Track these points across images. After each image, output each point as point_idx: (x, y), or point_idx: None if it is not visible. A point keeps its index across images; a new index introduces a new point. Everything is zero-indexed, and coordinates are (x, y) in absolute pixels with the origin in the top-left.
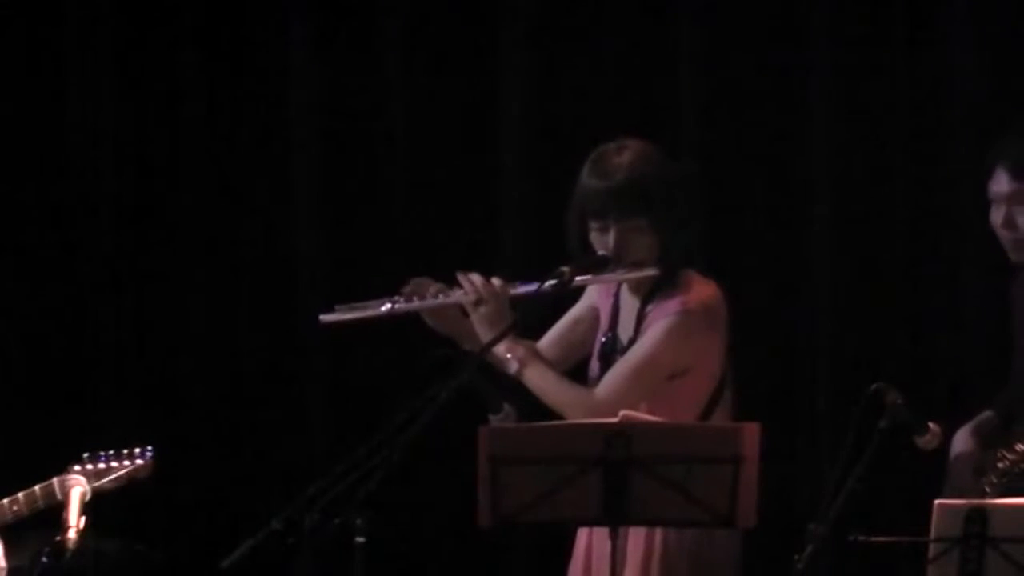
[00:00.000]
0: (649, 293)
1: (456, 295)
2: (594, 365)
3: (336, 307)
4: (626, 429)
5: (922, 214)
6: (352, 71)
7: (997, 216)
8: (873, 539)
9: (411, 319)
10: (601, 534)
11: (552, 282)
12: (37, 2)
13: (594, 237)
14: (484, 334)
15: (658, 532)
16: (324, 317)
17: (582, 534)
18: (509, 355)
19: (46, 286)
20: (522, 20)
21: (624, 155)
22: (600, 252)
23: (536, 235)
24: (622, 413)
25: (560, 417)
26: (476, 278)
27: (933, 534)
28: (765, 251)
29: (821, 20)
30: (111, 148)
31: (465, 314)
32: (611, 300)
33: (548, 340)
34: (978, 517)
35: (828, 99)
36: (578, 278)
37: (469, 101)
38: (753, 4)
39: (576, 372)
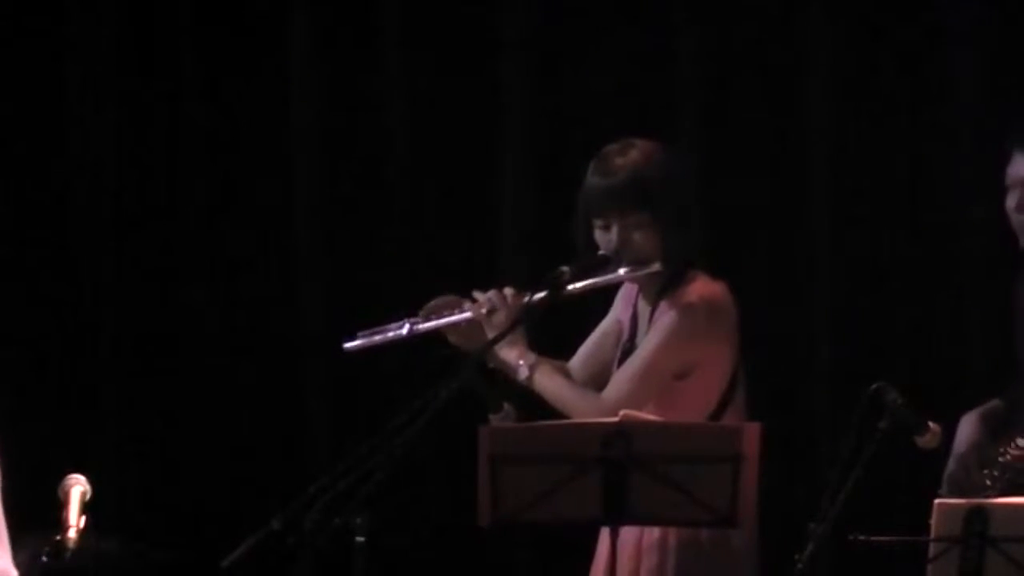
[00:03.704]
0: (658, 295)
1: (470, 309)
2: (615, 375)
3: (358, 334)
4: (626, 428)
5: (922, 213)
6: (352, 70)
7: (1012, 200)
8: (873, 539)
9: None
10: (626, 534)
11: (547, 290)
12: (37, 2)
13: (598, 235)
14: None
15: (670, 533)
16: (348, 345)
17: (604, 534)
18: (521, 361)
19: (46, 287)
20: (522, 20)
21: (627, 154)
22: (603, 251)
23: (536, 235)
24: (622, 412)
25: (561, 417)
26: (490, 292)
27: (933, 534)
28: (765, 251)
29: (820, 20)
30: (111, 148)
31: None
32: (631, 310)
33: (578, 360)
34: (978, 517)
35: (828, 99)
36: (578, 283)
37: (469, 101)
38: (752, 4)
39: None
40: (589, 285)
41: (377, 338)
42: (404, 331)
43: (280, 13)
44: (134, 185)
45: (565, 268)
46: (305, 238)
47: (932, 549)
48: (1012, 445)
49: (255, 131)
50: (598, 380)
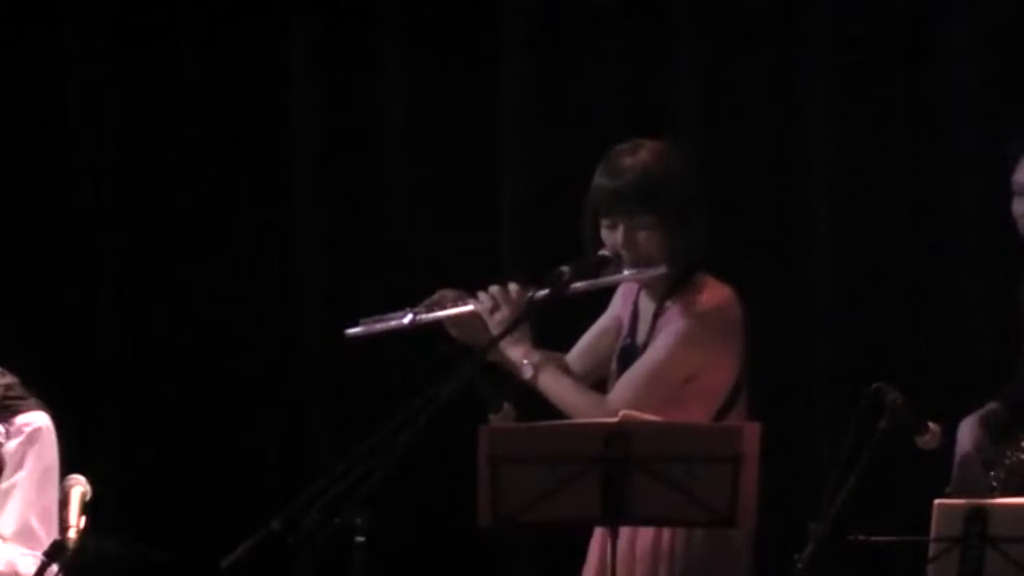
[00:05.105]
0: (664, 296)
1: (474, 303)
2: (614, 369)
3: (360, 321)
4: (625, 428)
5: (922, 214)
6: (352, 71)
7: (1019, 206)
8: (873, 539)
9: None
10: (618, 534)
11: (548, 288)
12: (37, 2)
13: (605, 235)
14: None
15: (665, 533)
16: (349, 332)
17: (597, 534)
18: (526, 361)
19: (46, 287)
20: (522, 20)
21: (636, 155)
22: (605, 251)
23: (536, 235)
24: (622, 413)
25: (561, 417)
26: (493, 288)
27: (933, 534)
28: (765, 251)
29: (821, 20)
30: (111, 148)
31: (485, 323)
32: (631, 307)
33: (575, 353)
34: (978, 517)
35: (828, 99)
36: (578, 281)
37: (469, 101)
38: (753, 4)
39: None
40: (594, 284)
41: (379, 326)
42: (406, 320)
43: (280, 14)
44: (134, 185)
45: (565, 268)
46: (305, 238)
47: (932, 549)
48: (1017, 447)
49: (255, 131)
50: (593, 376)
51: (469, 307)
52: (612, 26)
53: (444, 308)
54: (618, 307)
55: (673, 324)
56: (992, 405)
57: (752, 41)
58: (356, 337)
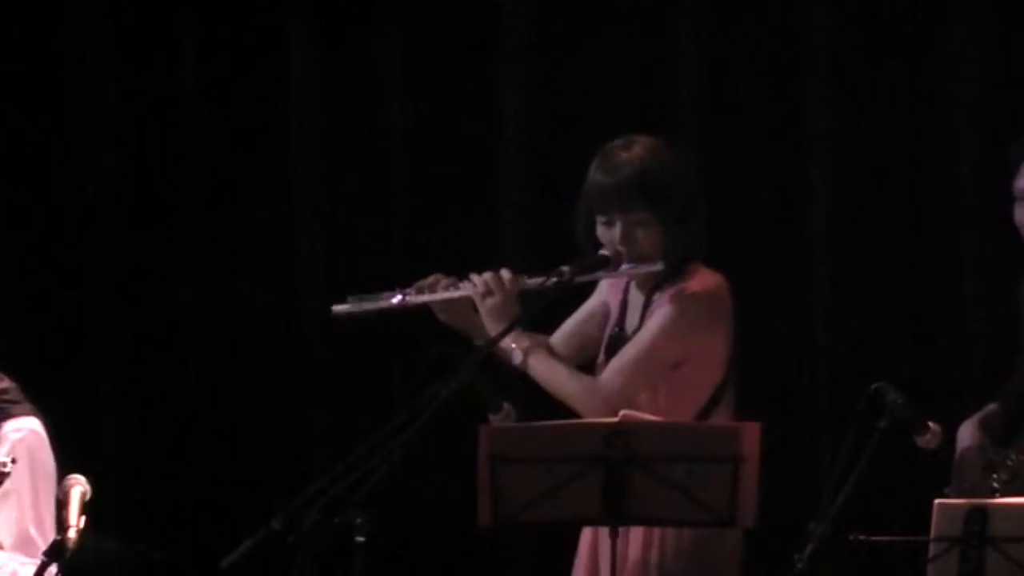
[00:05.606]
0: (654, 287)
1: (465, 288)
2: (602, 359)
3: (348, 298)
4: (626, 428)
5: (922, 214)
6: (352, 71)
7: (1020, 214)
8: (873, 539)
9: (421, 317)
10: (604, 534)
11: (553, 280)
12: (37, 2)
13: (601, 232)
14: (492, 326)
15: (656, 532)
16: (336, 308)
17: (586, 534)
18: (514, 345)
19: (45, 286)
20: (522, 20)
21: (630, 150)
22: (604, 248)
23: (536, 234)
24: (622, 412)
25: (565, 408)
26: (486, 274)
27: (933, 534)
28: (765, 251)
29: (821, 20)
30: (111, 148)
31: (475, 308)
32: (620, 296)
33: (561, 335)
34: (978, 517)
35: (828, 99)
36: (578, 278)
37: (469, 101)
38: (753, 4)
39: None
40: (591, 278)
41: (367, 305)
42: (395, 301)
43: (280, 13)
44: (134, 185)
45: (565, 268)
46: (305, 238)
47: (932, 549)
48: (1020, 449)
49: (255, 131)
50: (578, 358)
51: (460, 292)
52: (612, 26)
53: (434, 291)
54: (605, 292)
55: (665, 308)
56: (992, 407)
57: (752, 41)
58: (343, 314)
